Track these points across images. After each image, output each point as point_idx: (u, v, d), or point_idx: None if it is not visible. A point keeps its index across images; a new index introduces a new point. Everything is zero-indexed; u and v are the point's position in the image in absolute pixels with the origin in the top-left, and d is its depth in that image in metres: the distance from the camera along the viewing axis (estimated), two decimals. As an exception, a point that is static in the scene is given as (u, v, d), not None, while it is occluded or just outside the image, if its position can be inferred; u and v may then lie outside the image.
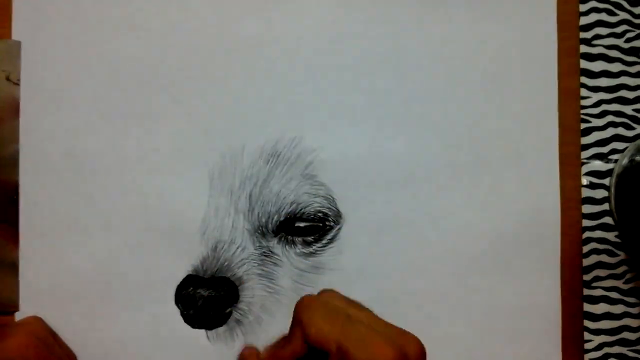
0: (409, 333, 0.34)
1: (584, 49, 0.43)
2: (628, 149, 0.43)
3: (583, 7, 0.43)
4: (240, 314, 0.41)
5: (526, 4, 0.43)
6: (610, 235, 0.43)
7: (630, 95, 0.43)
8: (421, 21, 0.43)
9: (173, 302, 0.41)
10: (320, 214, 0.42)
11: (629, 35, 0.43)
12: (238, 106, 0.42)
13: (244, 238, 0.42)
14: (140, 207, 0.42)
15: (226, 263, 0.41)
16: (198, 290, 0.41)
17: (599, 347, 0.42)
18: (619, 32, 0.43)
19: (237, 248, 0.42)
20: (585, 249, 0.43)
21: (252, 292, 0.41)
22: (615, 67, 0.43)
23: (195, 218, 0.42)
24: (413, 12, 0.43)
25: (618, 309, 0.42)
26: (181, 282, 0.41)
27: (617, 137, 0.43)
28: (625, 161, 0.42)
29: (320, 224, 0.42)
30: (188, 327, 0.42)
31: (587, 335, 0.42)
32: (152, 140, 0.42)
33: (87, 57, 0.42)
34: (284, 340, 0.37)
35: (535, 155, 0.43)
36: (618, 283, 0.43)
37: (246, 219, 0.42)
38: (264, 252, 0.42)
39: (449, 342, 0.42)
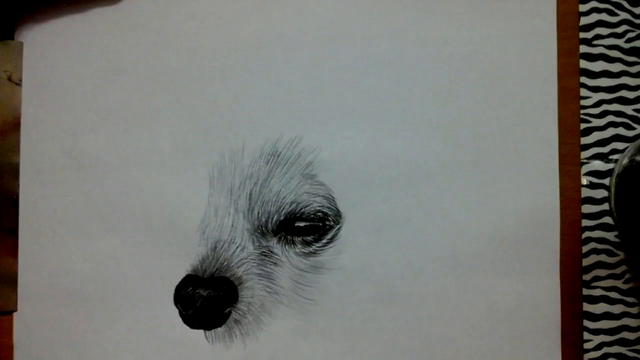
0: None
1: (584, 49, 0.43)
2: (628, 149, 0.43)
3: (583, 7, 0.43)
4: (239, 314, 0.42)
5: (526, 4, 0.43)
6: (610, 235, 0.43)
7: (630, 95, 0.43)
8: (421, 21, 0.43)
9: (172, 302, 0.42)
10: (320, 214, 0.42)
11: (629, 35, 0.43)
12: (238, 106, 0.42)
13: (243, 238, 0.42)
14: (140, 207, 0.42)
15: (225, 263, 0.42)
16: (197, 290, 0.41)
17: (598, 346, 0.42)
18: (620, 32, 0.43)
19: (237, 248, 0.42)
20: (585, 248, 0.43)
21: (252, 292, 0.42)
22: (616, 67, 0.43)
23: (195, 217, 0.42)
24: (413, 12, 0.43)
25: (617, 308, 0.42)
26: (180, 282, 0.42)
27: (617, 137, 0.43)
28: (625, 161, 0.42)
29: (320, 224, 0.42)
30: (187, 327, 0.42)
31: (586, 335, 0.42)
32: (152, 140, 0.42)
33: (88, 57, 0.42)
34: None
35: (535, 155, 0.43)
36: (617, 283, 0.43)
37: (246, 219, 0.42)
38: (264, 251, 0.42)
39: (448, 342, 0.42)
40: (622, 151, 0.43)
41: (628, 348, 0.42)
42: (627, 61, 0.43)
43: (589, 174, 0.43)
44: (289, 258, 0.42)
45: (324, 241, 0.42)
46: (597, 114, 0.43)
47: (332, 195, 0.42)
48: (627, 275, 0.43)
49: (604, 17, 0.43)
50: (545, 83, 0.43)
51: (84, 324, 0.42)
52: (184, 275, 0.42)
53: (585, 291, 0.42)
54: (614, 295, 0.42)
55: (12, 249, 0.42)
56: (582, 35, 0.43)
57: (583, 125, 0.43)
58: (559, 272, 0.42)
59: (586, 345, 0.42)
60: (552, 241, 0.42)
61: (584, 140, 0.43)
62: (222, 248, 0.42)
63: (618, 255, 0.43)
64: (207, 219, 0.42)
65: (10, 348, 0.44)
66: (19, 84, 0.42)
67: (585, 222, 0.43)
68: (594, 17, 0.43)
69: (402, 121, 0.42)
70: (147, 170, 0.42)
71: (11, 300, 0.42)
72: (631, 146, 0.42)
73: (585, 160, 0.43)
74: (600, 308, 0.43)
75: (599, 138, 0.43)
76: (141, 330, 0.42)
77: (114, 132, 0.42)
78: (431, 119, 0.43)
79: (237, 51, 0.42)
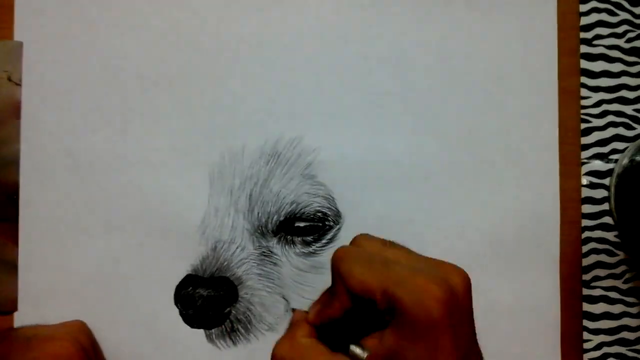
0: (448, 264, 0.32)
1: (584, 49, 0.43)
2: (628, 149, 0.43)
3: (583, 7, 0.43)
4: (239, 313, 0.42)
5: (526, 4, 0.43)
6: (610, 235, 0.43)
7: (630, 95, 0.43)
8: (421, 21, 0.43)
9: (172, 302, 0.42)
10: (320, 214, 0.42)
11: (629, 35, 0.43)
12: (238, 106, 0.42)
13: (243, 238, 0.42)
14: (140, 207, 0.42)
15: (226, 263, 0.42)
16: (197, 290, 0.41)
17: (598, 346, 0.42)
18: (620, 32, 0.43)
19: (237, 248, 0.42)
20: (585, 248, 0.43)
21: (252, 292, 0.42)
22: (616, 67, 0.43)
23: (195, 218, 0.42)
24: (413, 12, 0.43)
25: (617, 308, 0.43)
26: (180, 282, 0.42)
27: (617, 137, 0.43)
28: (625, 161, 0.42)
29: (320, 224, 0.42)
30: (187, 327, 0.42)
31: (586, 335, 0.42)
32: (152, 140, 0.42)
33: (88, 57, 0.42)
34: (327, 297, 0.35)
35: (535, 155, 0.43)
36: (617, 283, 0.43)
37: (246, 219, 0.42)
38: (264, 252, 0.42)
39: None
40: (622, 151, 0.43)
41: (628, 348, 0.43)
42: (627, 61, 0.43)
43: (589, 174, 0.43)
44: (289, 258, 0.42)
45: (324, 241, 0.42)
46: (597, 114, 0.43)
47: (332, 196, 0.42)
48: (627, 275, 0.43)
49: (604, 17, 0.43)
50: (545, 83, 0.43)
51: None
52: (184, 275, 0.42)
53: (585, 291, 0.43)
54: (613, 295, 0.43)
55: (13, 246, 0.42)
56: (582, 35, 0.43)
57: (583, 125, 0.43)
58: (559, 272, 0.42)
59: (586, 345, 0.43)
60: (552, 241, 0.42)
61: (584, 140, 0.43)
62: (222, 248, 0.42)
63: (618, 255, 0.43)
64: (207, 219, 0.42)
65: (10, 348, 0.43)
66: (18, 84, 0.42)
67: (585, 222, 0.43)
68: (594, 17, 0.43)
69: (402, 121, 0.42)
70: (147, 170, 0.42)
71: (11, 300, 0.42)
72: (631, 146, 0.42)
73: (585, 160, 0.43)
74: (600, 308, 0.43)
75: (599, 138, 0.43)
76: (141, 330, 0.42)
77: (114, 132, 0.42)
78: (431, 119, 0.43)
79: (237, 51, 0.42)
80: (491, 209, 0.42)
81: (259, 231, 0.42)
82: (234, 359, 0.42)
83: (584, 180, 0.43)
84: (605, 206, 0.43)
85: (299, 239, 0.42)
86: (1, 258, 0.42)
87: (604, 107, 0.43)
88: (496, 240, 0.42)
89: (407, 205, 0.42)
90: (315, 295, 0.42)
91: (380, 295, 0.31)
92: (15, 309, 0.42)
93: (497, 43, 0.43)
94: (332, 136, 0.42)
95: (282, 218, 0.42)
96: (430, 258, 0.34)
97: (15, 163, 0.42)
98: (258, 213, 0.42)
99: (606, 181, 0.43)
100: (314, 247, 0.42)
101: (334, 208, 0.42)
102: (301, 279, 0.42)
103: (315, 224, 0.42)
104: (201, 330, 0.42)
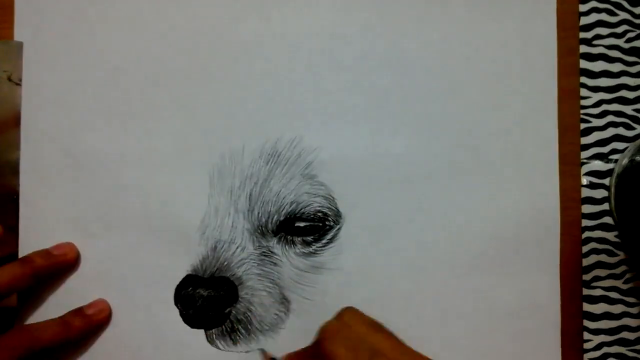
0: None
1: (584, 49, 0.43)
2: (628, 149, 0.43)
3: (583, 7, 0.43)
4: (239, 314, 0.42)
5: (526, 4, 0.43)
6: (610, 235, 0.43)
7: (630, 95, 0.43)
8: (421, 21, 0.43)
9: (172, 302, 0.42)
10: (320, 214, 0.42)
11: (629, 35, 0.43)
12: (238, 106, 0.42)
13: (243, 238, 0.42)
14: (140, 207, 0.42)
15: (226, 263, 0.42)
16: (197, 290, 0.41)
17: (598, 346, 0.42)
18: (620, 32, 0.43)
19: (237, 248, 0.42)
20: (585, 248, 0.43)
21: (252, 292, 0.42)
22: (616, 67, 0.43)
23: (195, 218, 0.42)
24: (413, 12, 0.43)
25: (617, 308, 0.42)
26: (180, 282, 0.42)
27: (617, 137, 0.43)
28: (625, 161, 0.42)
29: (320, 224, 0.42)
30: (187, 327, 0.42)
31: (586, 335, 0.42)
32: (152, 140, 0.42)
33: (88, 57, 0.42)
34: (305, 358, 0.36)
35: (535, 155, 0.43)
36: (617, 283, 0.43)
37: (246, 219, 0.42)
38: (264, 252, 0.42)
39: (448, 342, 0.42)
40: (622, 151, 0.43)
41: (628, 348, 0.42)
42: (627, 61, 0.43)
43: (589, 174, 0.43)
44: (289, 258, 0.42)
45: (324, 241, 0.42)
46: (597, 114, 0.43)
47: (332, 196, 0.42)
48: (627, 275, 0.43)
49: (604, 17, 0.43)
50: (545, 83, 0.43)
51: (84, 324, 0.42)
52: (184, 275, 0.42)
53: (585, 291, 0.42)
54: (614, 295, 0.43)
55: (14, 246, 0.42)
56: (582, 35, 0.43)
57: (583, 125, 0.43)
58: (559, 272, 0.42)
59: (586, 345, 0.42)
60: (552, 241, 0.42)
61: (584, 140, 0.43)
62: (222, 248, 0.42)
63: (618, 255, 0.43)
64: (207, 219, 0.42)
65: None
66: (18, 83, 0.42)
67: (585, 222, 0.43)
68: (594, 17, 0.43)
69: (402, 121, 0.42)
70: (147, 170, 0.42)
71: (11, 300, 0.42)
72: (631, 146, 0.42)
73: (585, 160, 0.43)
74: (600, 308, 0.43)
75: (599, 138, 0.43)
76: (141, 330, 0.42)
77: (114, 132, 0.42)
78: (431, 119, 0.43)
79: (237, 51, 0.42)
80: (491, 209, 0.42)
81: (259, 231, 0.42)
82: (234, 359, 0.42)
83: (584, 180, 0.43)
84: (605, 206, 0.43)
85: (299, 239, 0.42)
86: (1, 258, 0.42)
87: (604, 107, 0.43)
88: (496, 240, 0.42)
89: (407, 205, 0.42)
90: (315, 295, 0.42)
91: None
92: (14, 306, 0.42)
93: (497, 43, 0.43)
94: (332, 136, 0.42)
95: (282, 218, 0.42)
96: (415, 352, 0.34)
97: (15, 163, 0.42)
98: (258, 213, 0.42)
99: (606, 181, 0.43)
100: (314, 247, 0.42)
101: (334, 208, 0.42)
102: (301, 279, 0.42)
103: (316, 224, 0.42)
104: (201, 330, 0.42)
